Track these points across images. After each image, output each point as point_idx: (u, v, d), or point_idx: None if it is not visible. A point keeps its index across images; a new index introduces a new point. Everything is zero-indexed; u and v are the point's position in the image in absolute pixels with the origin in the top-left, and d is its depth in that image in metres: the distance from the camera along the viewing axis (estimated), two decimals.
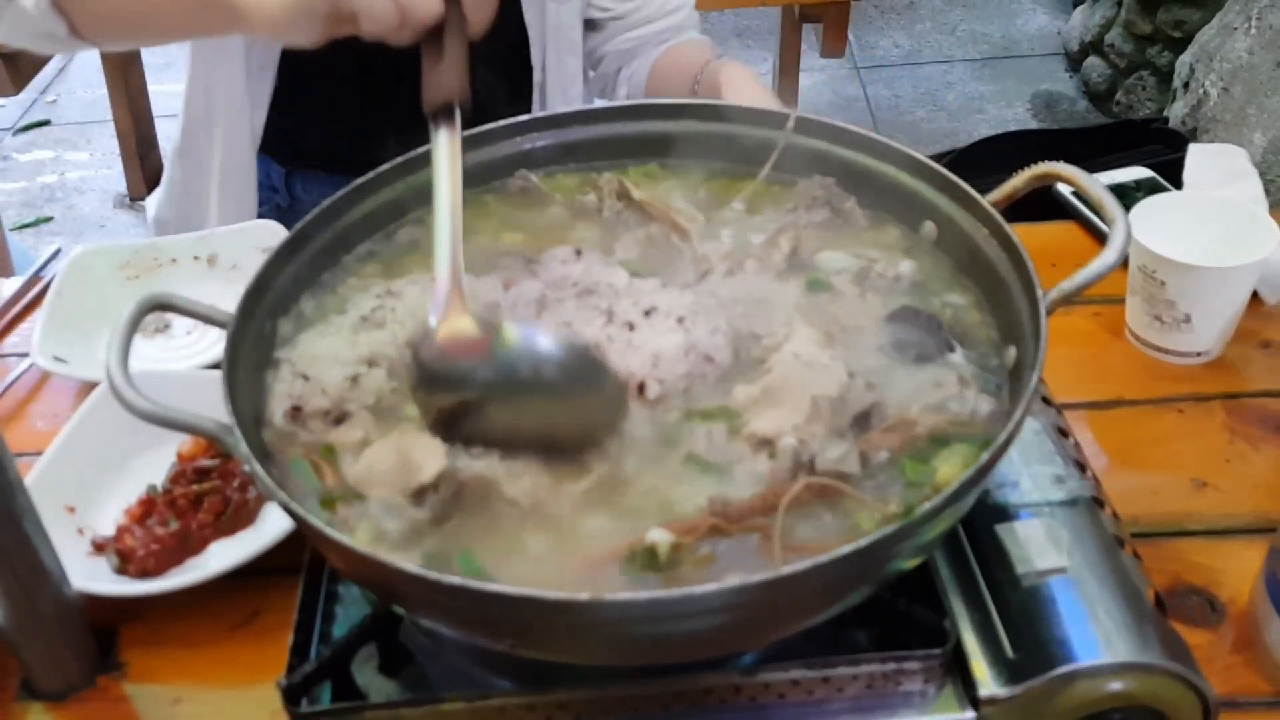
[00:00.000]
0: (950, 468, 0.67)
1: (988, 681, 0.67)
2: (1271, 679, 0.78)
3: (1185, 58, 2.38)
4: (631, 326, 0.75)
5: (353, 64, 1.28)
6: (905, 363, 0.74)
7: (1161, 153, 1.45)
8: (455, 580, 0.58)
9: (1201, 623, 0.82)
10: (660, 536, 0.62)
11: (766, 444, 0.68)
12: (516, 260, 0.84)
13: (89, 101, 3.48)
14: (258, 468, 0.63)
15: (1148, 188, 1.24)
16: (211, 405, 0.68)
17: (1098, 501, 0.76)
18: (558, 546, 0.65)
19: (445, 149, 0.76)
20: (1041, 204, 1.16)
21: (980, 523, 0.74)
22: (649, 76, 1.33)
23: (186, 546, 0.86)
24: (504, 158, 0.90)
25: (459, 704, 0.66)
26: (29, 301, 1.19)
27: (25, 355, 1.08)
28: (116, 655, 0.82)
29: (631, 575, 0.62)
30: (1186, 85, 2.32)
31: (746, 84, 1.16)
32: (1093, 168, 1.17)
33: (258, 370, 0.75)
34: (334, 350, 0.76)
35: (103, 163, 3.26)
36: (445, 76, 0.78)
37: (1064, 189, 1.23)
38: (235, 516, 0.88)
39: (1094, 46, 3.30)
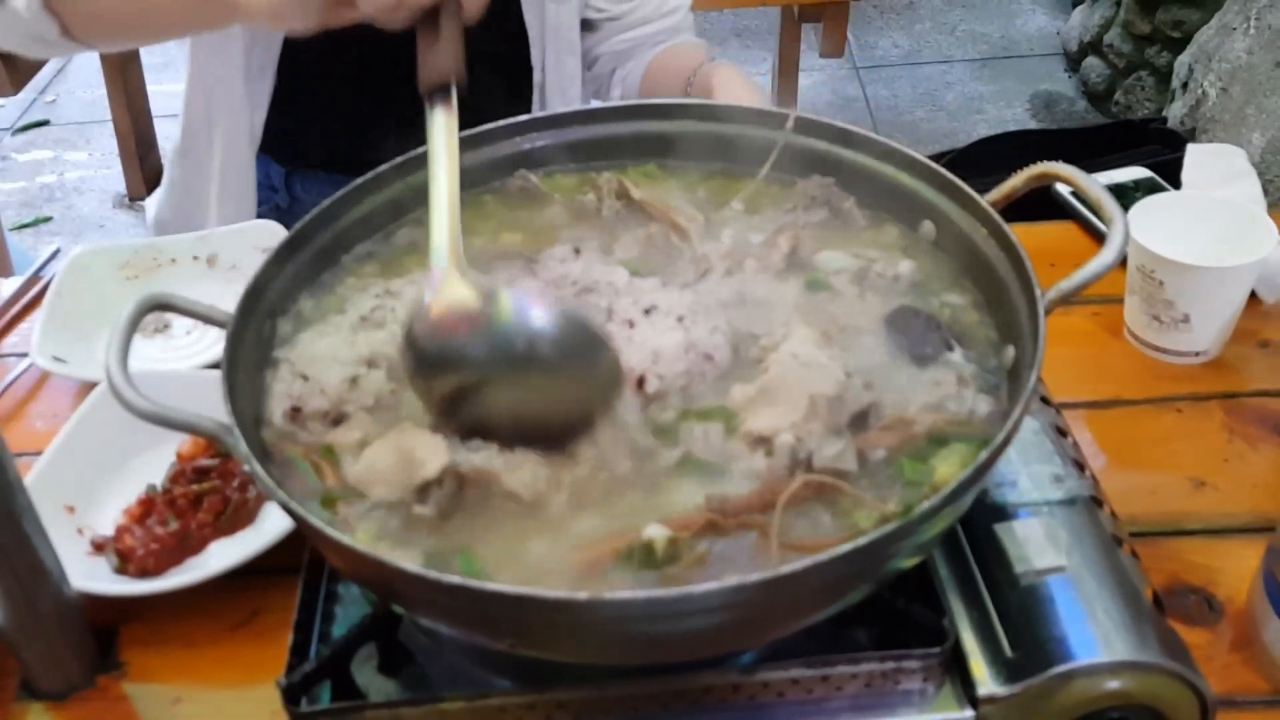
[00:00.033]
0: (949, 467, 0.67)
1: (986, 680, 0.67)
2: (1269, 678, 0.78)
3: (1184, 58, 2.38)
4: (631, 324, 0.75)
5: (352, 64, 1.28)
6: (904, 362, 0.74)
7: (1160, 153, 1.46)
8: (455, 579, 0.58)
9: (1199, 622, 0.82)
10: (657, 532, 0.63)
11: (763, 442, 0.68)
12: (516, 260, 0.84)
13: (88, 101, 3.48)
14: (257, 467, 0.63)
15: (1146, 188, 1.24)
16: (211, 405, 0.68)
17: (1096, 501, 0.76)
18: (556, 545, 0.65)
19: (442, 127, 0.76)
20: (1040, 204, 1.16)
21: (979, 522, 0.74)
22: (643, 78, 1.34)
23: (186, 546, 0.86)
24: (503, 158, 0.91)
25: (459, 703, 0.67)
26: (28, 301, 1.19)
27: (24, 355, 1.08)
28: (116, 655, 0.82)
29: (629, 573, 0.62)
30: (1185, 85, 2.32)
31: (739, 85, 1.17)
32: (1091, 168, 1.17)
33: (257, 370, 0.75)
34: (333, 350, 0.76)
35: (102, 163, 3.26)
36: (441, 56, 0.78)
37: (1063, 189, 1.23)
38: (235, 516, 0.88)
39: (1093, 47, 3.30)
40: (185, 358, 1.08)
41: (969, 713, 0.68)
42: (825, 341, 0.74)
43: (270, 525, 0.87)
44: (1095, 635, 0.67)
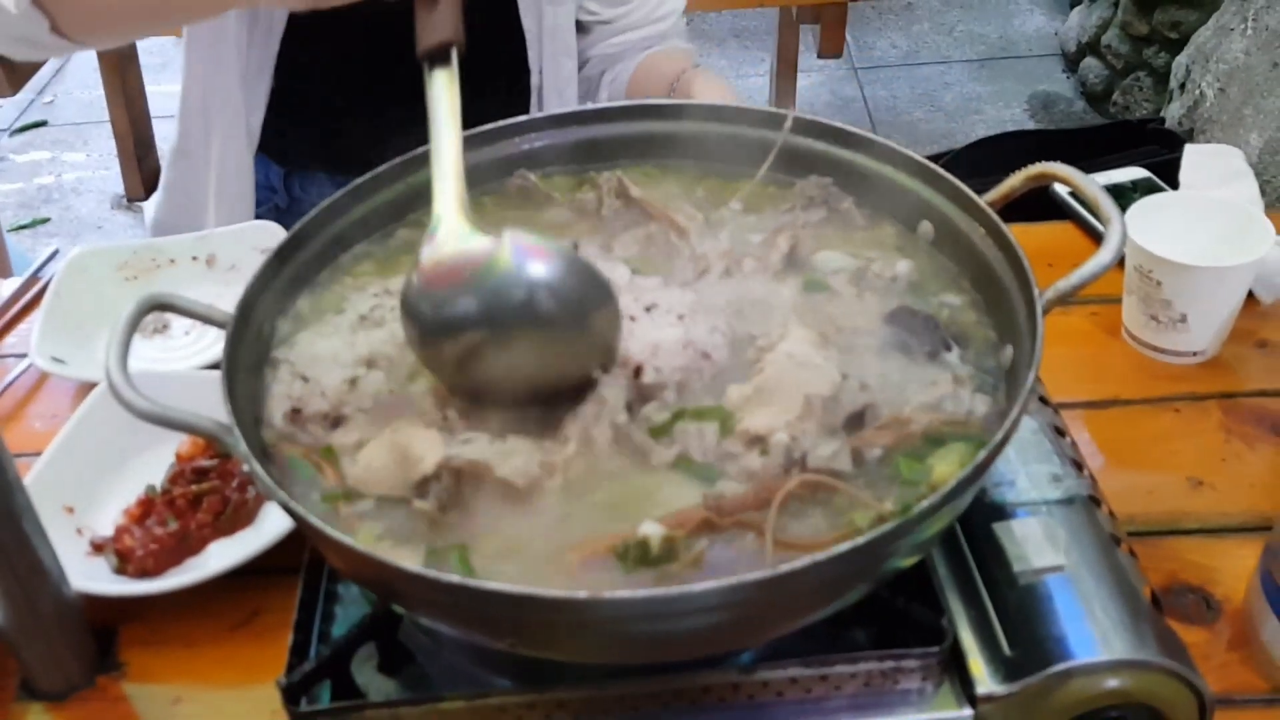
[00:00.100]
0: (947, 466, 0.67)
1: (985, 679, 0.67)
2: (1267, 676, 0.78)
3: (1182, 59, 2.38)
4: (632, 319, 0.75)
5: (350, 65, 1.28)
6: (902, 362, 0.74)
7: (1158, 153, 1.46)
8: (454, 579, 0.58)
9: (1197, 621, 0.82)
10: (653, 530, 0.63)
11: (758, 441, 0.68)
12: None
13: (86, 102, 3.48)
14: (257, 467, 0.64)
15: (1144, 188, 1.24)
16: (210, 405, 0.68)
17: (1094, 500, 0.76)
18: (553, 541, 0.65)
19: (443, 88, 0.76)
20: (1038, 204, 1.16)
21: (977, 521, 0.74)
22: (629, 81, 1.35)
23: (185, 546, 0.86)
24: (502, 158, 0.91)
25: (459, 703, 0.67)
26: (27, 302, 1.19)
27: (23, 356, 1.08)
28: (116, 655, 0.82)
29: (626, 571, 0.62)
30: (1183, 86, 2.32)
31: (718, 92, 1.20)
32: (1089, 168, 1.17)
33: (256, 370, 0.75)
34: (333, 351, 0.76)
35: (100, 164, 3.25)
36: (440, 20, 0.77)
37: (1061, 189, 1.23)
38: (234, 516, 0.88)
39: (1091, 47, 3.31)
40: (184, 358, 1.08)
41: (968, 711, 0.68)
42: (822, 342, 0.74)
43: (270, 525, 0.87)
44: (1094, 634, 0.67)
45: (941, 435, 0.69)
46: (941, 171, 0.81)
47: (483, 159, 0.89)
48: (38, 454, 0.91)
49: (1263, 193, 1.20)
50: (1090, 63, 3.31)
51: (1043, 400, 0.84)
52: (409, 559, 0.64)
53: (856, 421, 0.70)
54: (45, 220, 3.07)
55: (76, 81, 3.60)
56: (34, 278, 1.21)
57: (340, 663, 0.71)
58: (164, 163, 1.41)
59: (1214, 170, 1.21)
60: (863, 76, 3.54)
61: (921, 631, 0.69)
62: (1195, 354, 1.04)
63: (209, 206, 1.33)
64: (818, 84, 3.49)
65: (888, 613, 0.70)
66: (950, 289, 0.80)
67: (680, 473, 0.68)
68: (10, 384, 1.07)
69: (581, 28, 1.36)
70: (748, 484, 0.67)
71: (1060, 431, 0.81)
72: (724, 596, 0.57)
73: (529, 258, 0.70)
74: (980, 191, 0.78)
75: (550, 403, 0.71)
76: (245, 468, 0.76)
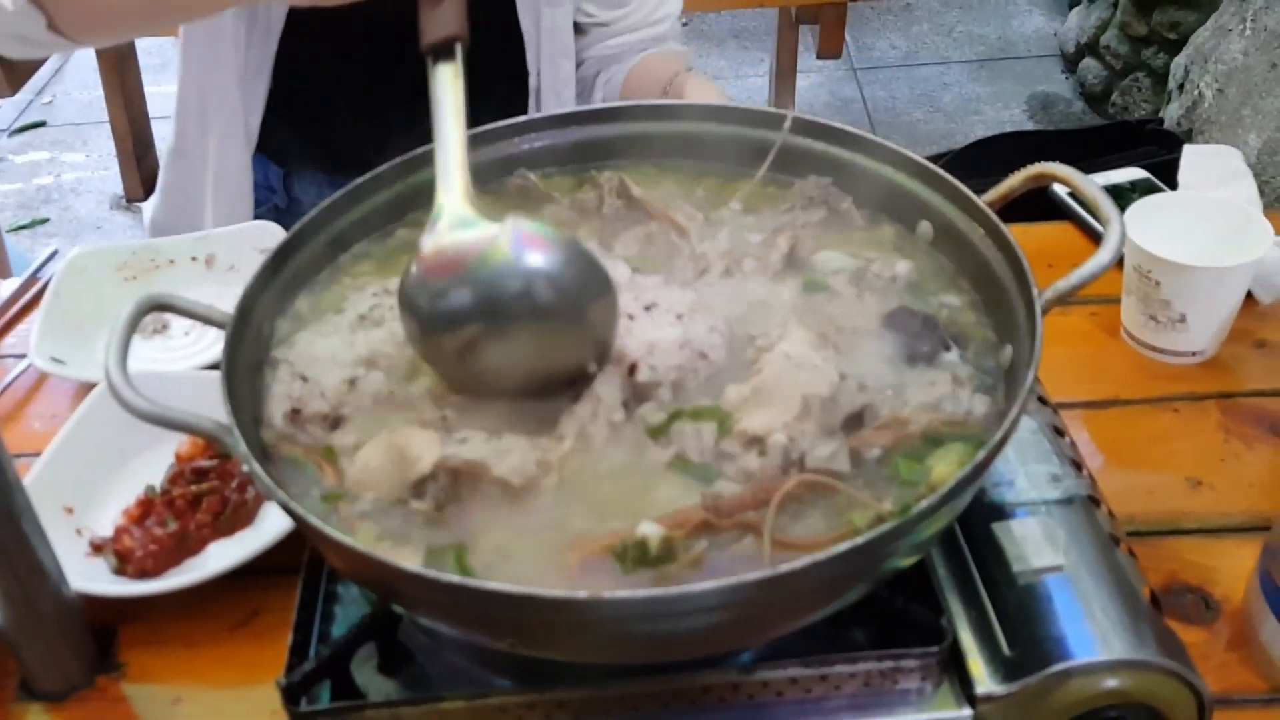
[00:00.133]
0: (946, 466, 0.67)
1: (984, 679, 0.67)
2: (1266, 676, 0.78)
3: (1180, 59, 2.38)
4: (631, 317, 0.75)
5: (350, 65, 1.28)
6: (901, 363, 0.74)
7: (1157, 154, 1.46)
8: (454, 579, 0.58)
9: (1196, 620, 0.82)
10: (651, 530, 0.63)
11: (756, 442, 0.68)
12: None
13: (85, 103, 3.48)
14: (257, 467, 0.64)
15: (1143, 188, 1.24)
16: (210, 406, 0.68)
17: (1094, 500, 0.76)
18: (551, 542, 0.65)
19: (448, 80, 0.76)
20: (1037, 205, 1.17)
21: (977, 521, 0.74)
22: (623, 83, 1.35)
23: (185, 547, 0.86)
24: (502, 158, 0.91)
25: (458, 703, 0.67)
26: (26, 302, 1.19)
27: (23, 356, 1.08)
28: (115, 655, 0.82)
29: (625, 571, 0.62)
30: (1181, 87, 2.33)
31: (710, 97, 1.21)
32: (1088, 168, 1.17)
33: (255, 370, 0.75)
34: (332, 351, 0.76)
35: (99, 164, 3.25)
36: (445, 15, 0.78)
37: (1060, 190, 1.23)
38: (234, 517, 0.88)
39: (1090, 48, 3.31)
40: (183, 359, 1.08)
41: (967, 711, 0.68)
42: (821, 342, 0.74)
43: (269, 526, 0.87)
44: (1093, 634, 0.67)
45: (940, 435, 0.69)
46: (941, 172, 0.81)
47: (483, 159, 0.89)
48: (37, 454, 0.91)
49: (1261, 193, 1.20)
50: (1089, 63, 3.31)
51: (1042, 400, 0.84)
52: (408, 559, 0.64)
53: (855, 422, 0.70)
54: (44, 221, 3.07)
55: (75, 82, 3.60)
56: (33, 278, 1.21)
57: (340, 663, 0.71)
58: (161, 163, 1.41)
59: (1212, 171, 1.21)
60: (862, 77, 3.54)
61: (921, 631, 0.69)
62: (1194, 354, 1.04)
63: (206, 207, 1.33)
64: (817, 85, 3.49)
65: (887, 613, 0.70)
66: (949, 289, 0.80)
67: (678, 473, 0.68)
68: (9, 384, 1.07)
69: (578, 29, 1.36)
70: (746, 484, 0.67)
71: (1059, 431, 0.82)
72: (724, 596, 0.57)
73: (528, 246, 0.70)
74: (979, 192, 0.78)
75: (547, 398, 0.71)
76: (245, 468, 0.76)
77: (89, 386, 0.98)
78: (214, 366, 0.71)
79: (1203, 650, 0.79)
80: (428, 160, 0.82)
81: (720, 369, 0.74)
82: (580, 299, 0.71)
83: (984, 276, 0.77)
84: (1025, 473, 0.77)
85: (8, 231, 2.88)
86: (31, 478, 0.88)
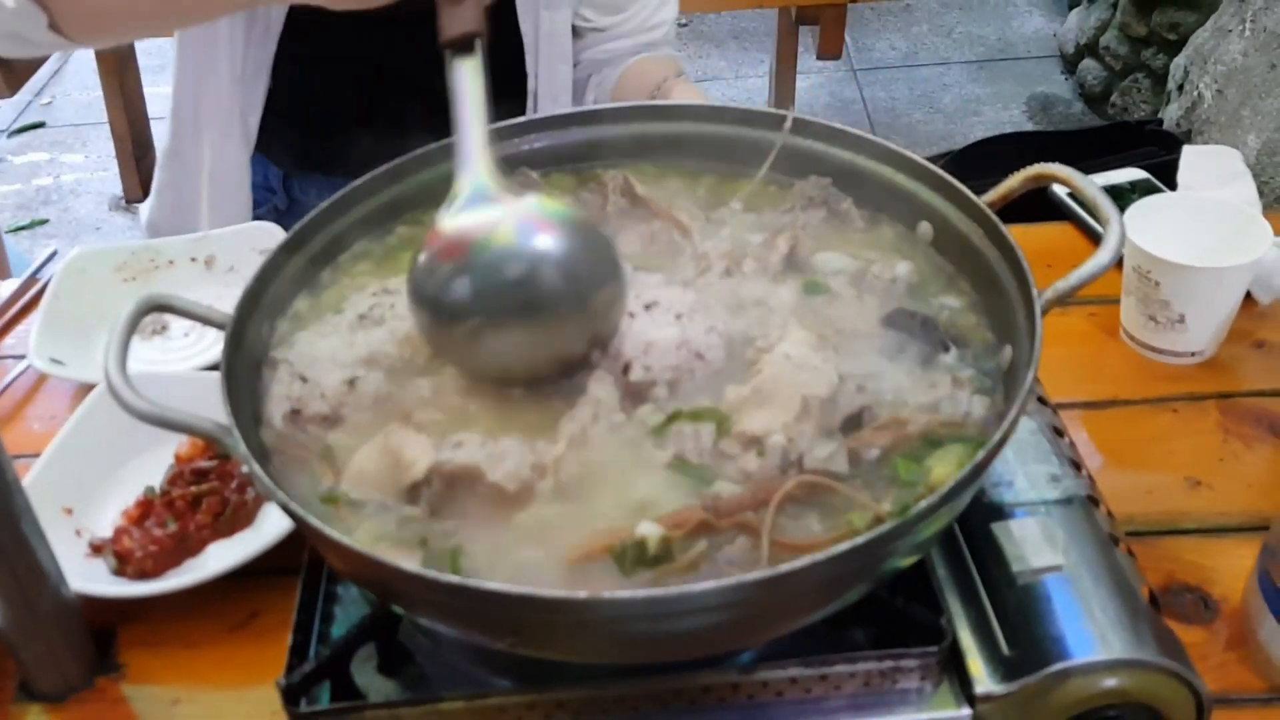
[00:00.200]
0: (945, 467, 0.67)
1: (984, 679, 0.68)
2: (1265, 676, 0.78)
3: (1180, 60, 2.38)
4: (631, 316, 0.75)
5: (350, 66, 1.28)
6: (900, 364, 0.74)
7: (1156, 154, 1.46)
8: (454, 579, 0.58)
9: (1195, 620, 0.82)
10: (650, 530, 0.63)
11: (755, 442, 0.68)
12: None
13: (84, 104, 3.48)
14: (256, 468, 0.64)
15: (1142, 189, 1.24)
16: (209, 406, 0.68)
17: (1093, 500, 0.76)
18: (548, 543, 0.65)
19: (467, 74, 0.77)
20: (1037, 205, 1.17)
21: (976, 521, 0.74)
22: (615, 85, 1.35)
23: (185, 548, 0.86)
24: (502, 159, 0.90)
25: (458, 703, 0.67)
26: (25, 303, 1.19)
27: (22, 357, 1.08)
28: (115, 656, 0.82)
29: (623, 572, 0.62)
30: (1181, 87, 2.33)
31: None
32: (1088, 169, 1.17)
33: (255, 370, 0.75)
34: (332, 351, 0.76)
35: (98, 165, 3.25)
36: (464, 12, 0.78)
37: (1059, 190, 1.23)
38: (233, 518, 0.88)
39: (1089, 49, 3.31)
40: (183, 359, 1.08)
41: (966, 711, 0.68)
42: (820, 343, 0.74)
43: (269, 526, 0.87)
44: (1092, 634, 0.67)
45: (939, 436, 0.69)
46: (940, 172, 0.81)
47: None
48: (36, 455, 0.91)
49: (1260, 193, 1.20)
50: (1089, 64, 3.31)
51: (1041, 400, 0.84)
52: (408, 560, 0.64)
53: (854, 423, 0.70)
54: (44, 221, 3.07)
55: (75, 83, 3.60)
56: (32, 279, 1.21)
57: (340, 663, 0.71)
58: (157, 164, 1.41)
59: (1212, 171, 1.21)
60: (862, 78, 3.54)
61: (920, 631, 0.69)
62: (1193, 354, 1.05)
63: (202, 207, 1.33)
64: (817, 85, 3.49)
65: (887, 613, 0.70)
66: (949, 290, 0.80)
67: (676, 474, 0.68)
68: (9, 385, 1.07)
69: (575, 33, 1.36)
70: (745, 485, 0.67)
71: (1059, 432, 0.82)
72: (723, 596, 0.57)
73: (536, 229, 0.71)
74: (979, 192, 0.78)
75: (543, 396, 0.71)
76: (244, 469, 0.76)
77: (88, 387, 0.98)
78: (213, 367, 0.71)
79: (1201, 650, 0.79)
80: (429, 160, 0.82)
81: (719, 370, 0.74)
82: (584, 285, 0.71)
83: (984, 277, 0.77)
84: (1024, 473, 0.78)
85: (7, 232, 2.88)
86: (31, 479, 0.88)
